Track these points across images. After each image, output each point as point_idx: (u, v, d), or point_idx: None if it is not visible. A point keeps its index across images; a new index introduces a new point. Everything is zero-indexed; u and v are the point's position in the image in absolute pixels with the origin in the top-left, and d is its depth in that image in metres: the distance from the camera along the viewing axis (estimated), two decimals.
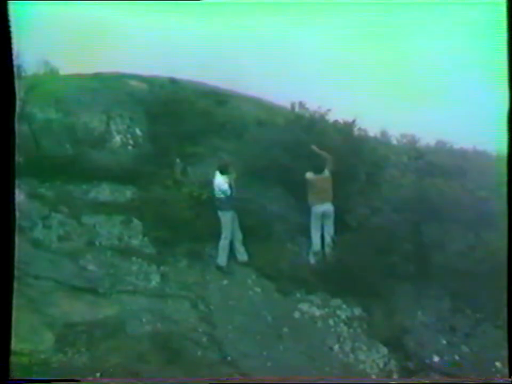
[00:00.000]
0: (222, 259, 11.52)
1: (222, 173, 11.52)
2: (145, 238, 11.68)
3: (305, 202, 12.12)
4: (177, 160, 13.22)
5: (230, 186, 11.41)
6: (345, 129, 13.78)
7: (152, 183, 12.61)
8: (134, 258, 11.21)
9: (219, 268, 11.47)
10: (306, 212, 12.13)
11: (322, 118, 13.96)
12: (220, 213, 11.58)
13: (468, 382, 9.61)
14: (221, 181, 11.45)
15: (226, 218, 11.53)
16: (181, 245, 11.60)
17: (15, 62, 7.95)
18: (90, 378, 8.49)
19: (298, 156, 12.48)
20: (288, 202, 12.76)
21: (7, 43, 7.76)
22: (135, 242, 11.61)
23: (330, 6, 15.71)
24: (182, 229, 11.65)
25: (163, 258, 11.39)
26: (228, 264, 11.54)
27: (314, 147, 12.01)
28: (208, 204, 11.88)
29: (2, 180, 7.79)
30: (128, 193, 12.48)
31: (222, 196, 11.42)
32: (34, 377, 8.20)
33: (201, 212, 11.95)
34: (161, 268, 11.21)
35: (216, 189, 11.51)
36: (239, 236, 11.71)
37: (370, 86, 17.46)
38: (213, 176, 11.73)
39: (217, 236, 11.57)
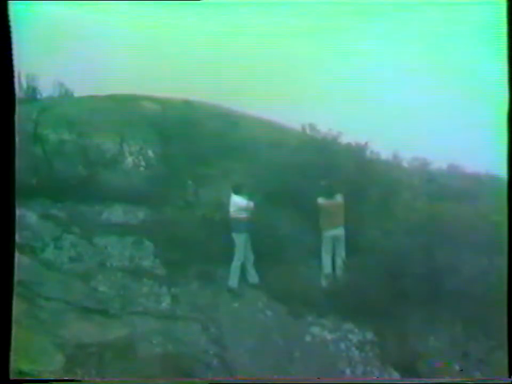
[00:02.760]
0: (233, 281, 11.43)
1: (236, 193, 11.53)
2: (157, 260, 11.65)
3: (317, 225, 12.02)
4: (189, 182, 13.24)
5: (247, 205, 11.40)
6: (358, 151, 13.84)
7: (164, 205, 12.60)
8: (145, 280, 11.16)
9: (230, 290, 11.38)
10: (318, 234, 12.03)
11: (334, 140, 14.08)
12: (234, 235, 11.51)
13: (468, 382, 9.60)
14: (239, 200, 11.45)
15: (241, 240, 11.46)
16: (192, 266, 11.52)
17: (16, 69, 8.02)
18: (90, 378, 8.49)
19: (310, 178, 12.44)
20: (300, 225, 12.57)
21: (7, 43, 7.84)
22: (146, 263, 11.58)
23: (334, 18, 15.88)
24: (193, 250, 11.53)
25: (174, 280, 11.30)
26: (239, 287, 11.45)
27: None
28: (221, 225, 11.82)
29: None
30: (140, 214, 12.52)
31: (243, 214, 11.38)
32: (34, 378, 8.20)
33: (213, 234, 11.83)
34: (172, 289, 11.13)
35: (234, 208, 11.47)
36: (251, 257, 11.63)
37: (379, 107, 17.45)
38: (226, 197, 11.77)
39: (228, 257, 11.47)
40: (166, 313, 10.68)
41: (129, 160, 13.04)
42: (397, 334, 10.64)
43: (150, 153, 13.32)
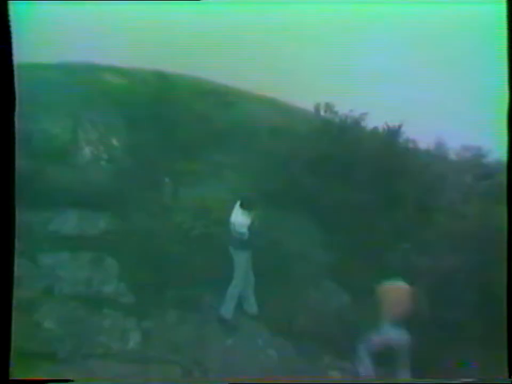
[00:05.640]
0: (227, 310, 10.89)
1: (243, 207, 10.95)
2: (122, 283, 11.17)
3: (331, 236, 12.21)
4: (166, 180, 13.11)
5: (252, 225, 10.86)
6: (387, 139, 13.91)
7: (133, 210, 12.34)
8: (106, 311, 10.58)
9: (223, 321, 10.87)
10: (333, 247, 12.06)
11: (356, 124, 14.09)
12: (233, 252, 10.98)
13: (468, 382, 9.61)
14: (241, 220, 10.89)
15: (242, 259, 10.91)
16: (170, 291, 11.09)
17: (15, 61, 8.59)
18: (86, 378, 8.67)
19: (324, 174, 12.47)
20: (311, 236, 12.43)
21: (7, 44, 8.39)
22: (108, 288, 11.04)
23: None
24: (171, 270, 11.20)
25: (145, 310, 10.77)
26: (234, 317, 10.94)
27: None
28: (207, 237, 11.63)
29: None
30: (101, 223, 12.18)
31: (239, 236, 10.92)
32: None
33: (196, 248, 11.54)
34: (143, 323, 10.56)
35: (238, 223, 10.95)
36: (251, 281, 11.16)
37: (417, 82, 17.47)
38: (214, 200, 11.91)
39: (218, 278, 11.05)
40: (135, 355, 10.06)
41: (86, 151, 12.94)
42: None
43: (114, 142, 13.31)
